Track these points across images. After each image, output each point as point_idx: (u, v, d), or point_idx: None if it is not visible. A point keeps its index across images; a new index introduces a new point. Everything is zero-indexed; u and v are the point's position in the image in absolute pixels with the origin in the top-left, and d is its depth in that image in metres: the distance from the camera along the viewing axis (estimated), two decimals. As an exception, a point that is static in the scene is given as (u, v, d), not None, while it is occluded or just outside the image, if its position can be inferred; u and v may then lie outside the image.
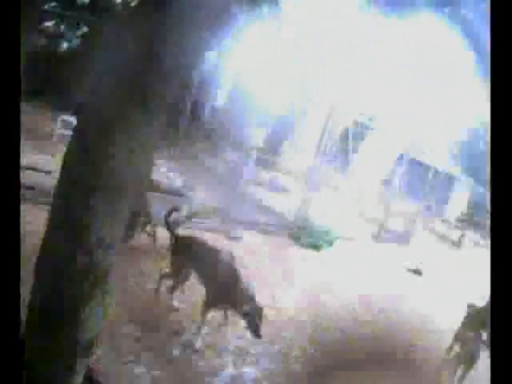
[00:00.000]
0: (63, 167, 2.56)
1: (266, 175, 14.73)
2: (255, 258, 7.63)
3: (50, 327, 2.61)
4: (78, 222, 2.43)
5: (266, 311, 5.73)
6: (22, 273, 2.11)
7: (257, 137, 14.27)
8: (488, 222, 22.82)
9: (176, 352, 4.34)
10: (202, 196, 10.56)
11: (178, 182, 10.20)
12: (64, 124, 12.04)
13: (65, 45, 18.75)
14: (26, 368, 2.57)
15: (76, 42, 18.74)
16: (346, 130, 22.01)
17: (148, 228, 6.51)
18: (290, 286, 6.99)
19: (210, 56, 16.76)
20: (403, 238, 14.41)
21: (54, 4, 13.25)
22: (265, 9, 16.00)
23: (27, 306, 2.68)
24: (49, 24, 15.46)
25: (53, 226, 2.61)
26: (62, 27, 16.07)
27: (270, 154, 13.39)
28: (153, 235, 6.43)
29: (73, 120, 12.03)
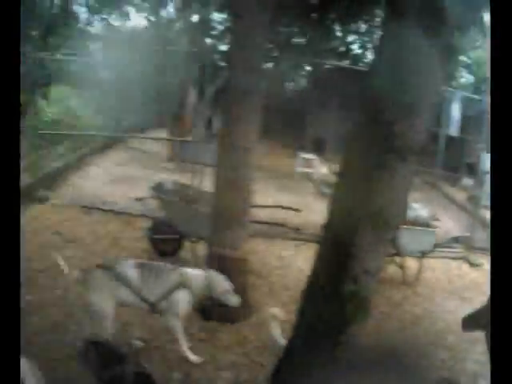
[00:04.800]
0: (332, 204, 2.92)
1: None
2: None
3: (313, 345, 2.98)
4: (346, 253, 2.76)
5: None
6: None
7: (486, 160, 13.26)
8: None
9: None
10: (448, 225, 10.25)
11: (423, 212, 10.03)
12: (304, 162, 12.77)
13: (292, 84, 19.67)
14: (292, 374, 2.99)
15: (302, 82, 19.47)
16: None
17: (397, 259, 6.68)
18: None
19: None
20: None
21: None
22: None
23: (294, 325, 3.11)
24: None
25: (322, 255, 3.01)
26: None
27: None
28: (402, 266, 6.54)
29: (312, 157, 12.65)
